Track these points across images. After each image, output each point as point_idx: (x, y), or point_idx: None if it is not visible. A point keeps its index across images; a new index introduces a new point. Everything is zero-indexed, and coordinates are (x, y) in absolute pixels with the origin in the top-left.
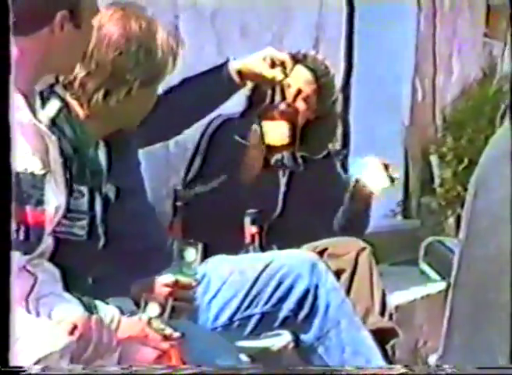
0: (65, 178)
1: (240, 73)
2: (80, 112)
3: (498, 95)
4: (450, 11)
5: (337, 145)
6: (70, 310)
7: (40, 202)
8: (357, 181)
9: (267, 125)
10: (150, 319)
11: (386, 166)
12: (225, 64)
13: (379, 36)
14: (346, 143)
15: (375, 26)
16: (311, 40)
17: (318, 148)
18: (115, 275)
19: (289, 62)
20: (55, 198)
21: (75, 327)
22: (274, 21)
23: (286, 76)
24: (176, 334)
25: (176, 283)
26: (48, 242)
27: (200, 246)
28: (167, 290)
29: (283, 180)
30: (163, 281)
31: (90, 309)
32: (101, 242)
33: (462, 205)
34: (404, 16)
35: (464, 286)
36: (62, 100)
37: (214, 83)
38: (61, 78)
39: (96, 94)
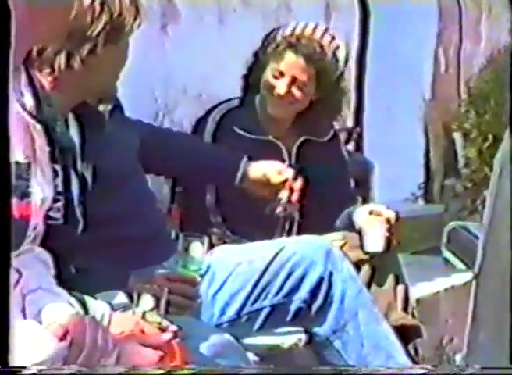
0: (52, 168)
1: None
2: (45, 84)
3: None
4: None
5: (349, 122)
6: (60, 309)
7: (25, 194)
8: (359, 231)
9: None
10: (144, 313)
11: (390, 229)
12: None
13: (398, 1)
14: (359, 120)
15: None
16: (322, 6)
17: (323, 130)
18: (105, 265)
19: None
20: (41, 190)
21: (66, 332)
22: None
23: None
24: (173, 327)
25: (179, 277)
26: (38, 230)
27: (206, 240)
28: (167, 283)
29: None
30: (164, 275)
31: (81, 305)
32: (80, 226)
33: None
34: None
35: (488, 275)
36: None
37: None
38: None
39: (57, 58)
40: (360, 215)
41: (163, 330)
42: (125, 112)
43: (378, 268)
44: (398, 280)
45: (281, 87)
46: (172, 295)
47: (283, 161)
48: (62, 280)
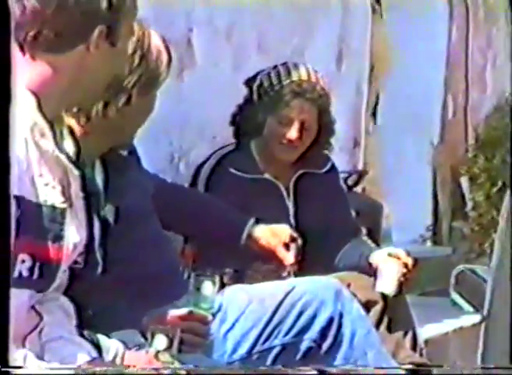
0: (86, 214)
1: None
2: (77, 130)
3: None
4: (485, 20)
5: (359, 165)
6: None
7: (58, 238)
8: (374, 269)
9: None
10: (157, 352)
11: (405, 275)
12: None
13: (407, 48)
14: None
15: (403, 37)
16: (334, 53)
17: (320, 162)
18: (121, 306)
19: (299, 245)
20: (74, 234)
21: None
22: (294, 34)
23: (296, 262)
24: (182, 373)
25: (191, 316)
26: (63, 278)
27: (217, 279)
28: (178, 322)
29: (291, 204)
30: (177, 314)
31: (94, 345)
32: (100, 269)
33: (496, 231)
34: (435, 27)
35: (497, 318)
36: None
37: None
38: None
39: (95, 107)
40: (379, 255)
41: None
42: (140, 155)
43: (387, 310)
44: (406, 325)
45: (292, 133)
46: (184, 334)
47: (282, 197)
48: (80, 319)
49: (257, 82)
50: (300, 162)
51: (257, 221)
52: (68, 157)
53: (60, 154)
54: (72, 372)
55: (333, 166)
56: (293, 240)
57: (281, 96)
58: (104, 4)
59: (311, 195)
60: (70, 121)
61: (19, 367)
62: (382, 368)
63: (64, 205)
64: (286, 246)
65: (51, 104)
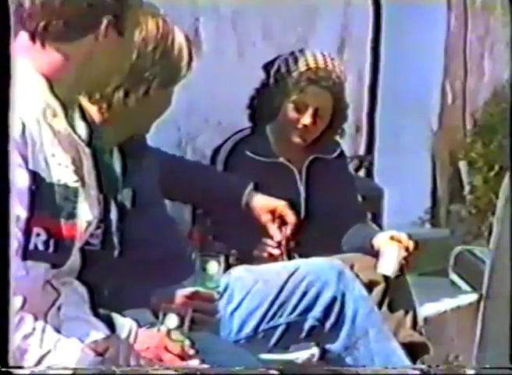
0: (98, 192)
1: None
2: (96, 118)
3: None
4: (482, 9)
5: (361, 151)
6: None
7: (71, 215)
8: (377, 251)
9: None
10: (169, 331)
11: (406, 258)
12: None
13: (407, 36)
14: (371, 148)
15: (403, 26)
16: (337, 41)
17: (330, 147)
18: (132, 286)
19: (293, 225)
20: (87, 212)
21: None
22: (298, 22)
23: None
24: (191, 351)
25: (197, 295)
26: (76, 258)
27: (222, 258)
28: (188, 302)
29: (302, 188)
30: (184, 293)
31: (108, 324)
32: (116, 251)
33: (494, 213)
34: (433, 15)
35: (496, 298)
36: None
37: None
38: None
39: (116, 94)
40: (382, 237)
41: (183, 353)
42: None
43: (389, 291)
44: (407, 305)
45: (306, 119)
46: (192, 313)
47: (295, 181)
48: (95, 303)
49: (275, 67)
50: (312, 146)
51: (256, 187)
52: (80, 138)
53: (73, 134)
54: (72, 372)
55: (342, 152)
56: (281, 218)
57: (297, 82)
58: None
59: (321, 180)
60: (91, 108)
61: (19, 367)
62: (387, 368)
63: (77, 184)
64: (281, 220)
65: (63, 88)
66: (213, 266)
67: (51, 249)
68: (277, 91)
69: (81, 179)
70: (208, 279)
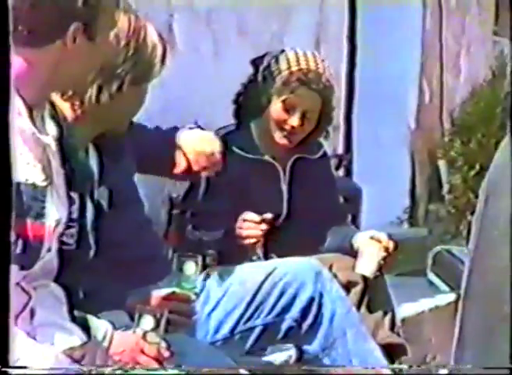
0: (67, 191)
1: None
2: (69, 115)
3: (509, 97)
4: (457, 8)
5: (339, 149)
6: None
7: (40, 215)
8: (356, 251)
9: None
10: (145, 333)
11: (385, 258)
12: None
13: (383, 35)
14: (349, 147)
15: (379, 24)
16: (312, 38)
17: (314, 148)
18: (108, 287)
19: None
20: (55, 212)
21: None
22: (273, 20)
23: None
24: (167, 354)
25: (174, 296)
26: (52, 260)
27: (199, 259)
28: (164, 303)
29: (285, 187)
30: (160, 294)
31: (82, 328)
32: (92, 251)
33: (473, 213)
34: (409, 14)
35: (474, 298)
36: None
37: None
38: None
39: (89, 90)
40: (361, 237)
41: (158, 356)
42: None
43: (367, 291)
44: (385, 306)
45: (294, 120)
46: (169, 314)
47: (279, 180)
48: (71, 305)
49: (265, 64)
50: (297, 146)
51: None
52: (48, 136)
53: (37, 133)
54: (72, 372)
55: (325, 153)
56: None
57: (287, 82)
58: (79, 1)
59: (304, 180)
60: (63, 105)
61: (19, 367)
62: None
63: (45, 183)
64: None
65: (29, 91)
66: (190, 267)
67: (18, 250)
68: (265, 88)
69: (49, 178)
70: (184, 280)
